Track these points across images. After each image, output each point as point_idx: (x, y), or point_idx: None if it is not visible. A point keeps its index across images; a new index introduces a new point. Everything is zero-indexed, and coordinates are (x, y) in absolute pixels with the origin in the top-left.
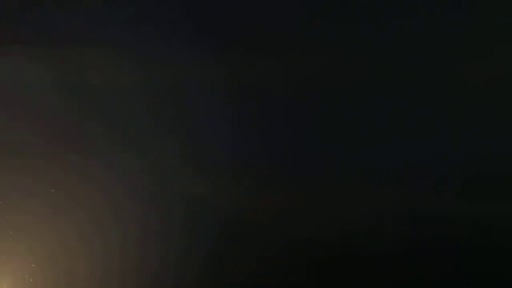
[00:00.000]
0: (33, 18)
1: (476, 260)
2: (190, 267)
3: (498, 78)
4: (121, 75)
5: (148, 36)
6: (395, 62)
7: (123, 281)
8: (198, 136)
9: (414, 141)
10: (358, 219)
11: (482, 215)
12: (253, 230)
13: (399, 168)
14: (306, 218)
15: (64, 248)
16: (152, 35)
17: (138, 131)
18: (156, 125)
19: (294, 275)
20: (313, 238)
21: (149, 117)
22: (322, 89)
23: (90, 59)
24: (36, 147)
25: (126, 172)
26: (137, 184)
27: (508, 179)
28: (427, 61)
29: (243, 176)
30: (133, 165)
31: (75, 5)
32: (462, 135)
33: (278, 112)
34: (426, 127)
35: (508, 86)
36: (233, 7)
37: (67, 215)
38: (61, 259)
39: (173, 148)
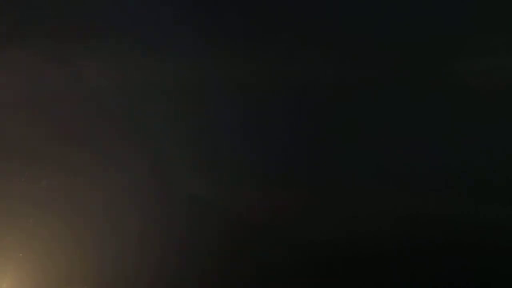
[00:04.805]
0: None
1: (478, 261)
2: (193, 270)
3: (499, 79)
4: (126, 73)
5: (154, 33)
6: (395, 61)
7: (122, 282)
8: (204, 136)
9: (415, 142)
10: (360, 221)
11: (485, 216)
12: (257, 231)
13: (401, 169)
14: (310, 219)
15: (63, 248)
16: (158, 32)
17: (142, 131)
18: (160, 124)
19: (298, 276)
20: (317, 239)
21: (153, 116)
22: (326, 90)
23: (94, 55)
24: (38, 146)
25: (128, 172)
26: (139, 184)
27: (510, 180)
28: (427, 61)
29: (247, 177)
30: (136, 165)
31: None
32: (463, 135)
33: (283, 113)
34: (428, 128)
35: (509, 87)
36: (240, 6)
37: (66, 214)
38: (59, 259)
39: (177, 148)
